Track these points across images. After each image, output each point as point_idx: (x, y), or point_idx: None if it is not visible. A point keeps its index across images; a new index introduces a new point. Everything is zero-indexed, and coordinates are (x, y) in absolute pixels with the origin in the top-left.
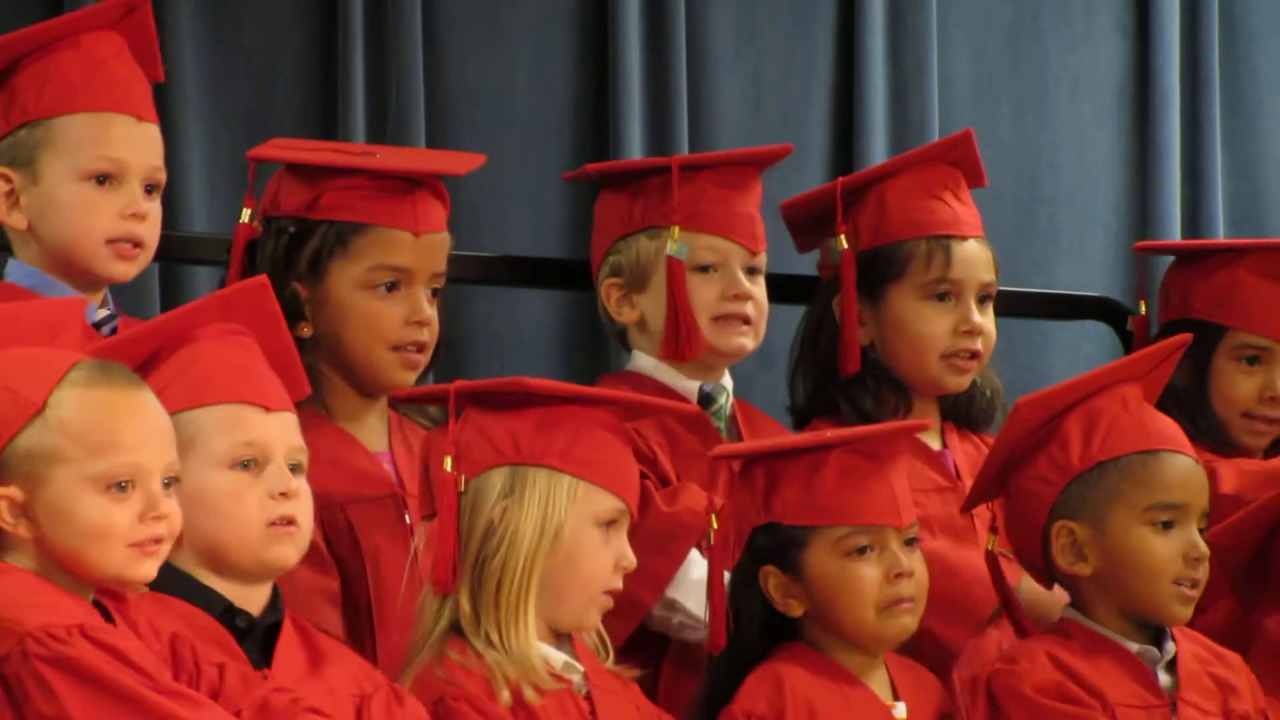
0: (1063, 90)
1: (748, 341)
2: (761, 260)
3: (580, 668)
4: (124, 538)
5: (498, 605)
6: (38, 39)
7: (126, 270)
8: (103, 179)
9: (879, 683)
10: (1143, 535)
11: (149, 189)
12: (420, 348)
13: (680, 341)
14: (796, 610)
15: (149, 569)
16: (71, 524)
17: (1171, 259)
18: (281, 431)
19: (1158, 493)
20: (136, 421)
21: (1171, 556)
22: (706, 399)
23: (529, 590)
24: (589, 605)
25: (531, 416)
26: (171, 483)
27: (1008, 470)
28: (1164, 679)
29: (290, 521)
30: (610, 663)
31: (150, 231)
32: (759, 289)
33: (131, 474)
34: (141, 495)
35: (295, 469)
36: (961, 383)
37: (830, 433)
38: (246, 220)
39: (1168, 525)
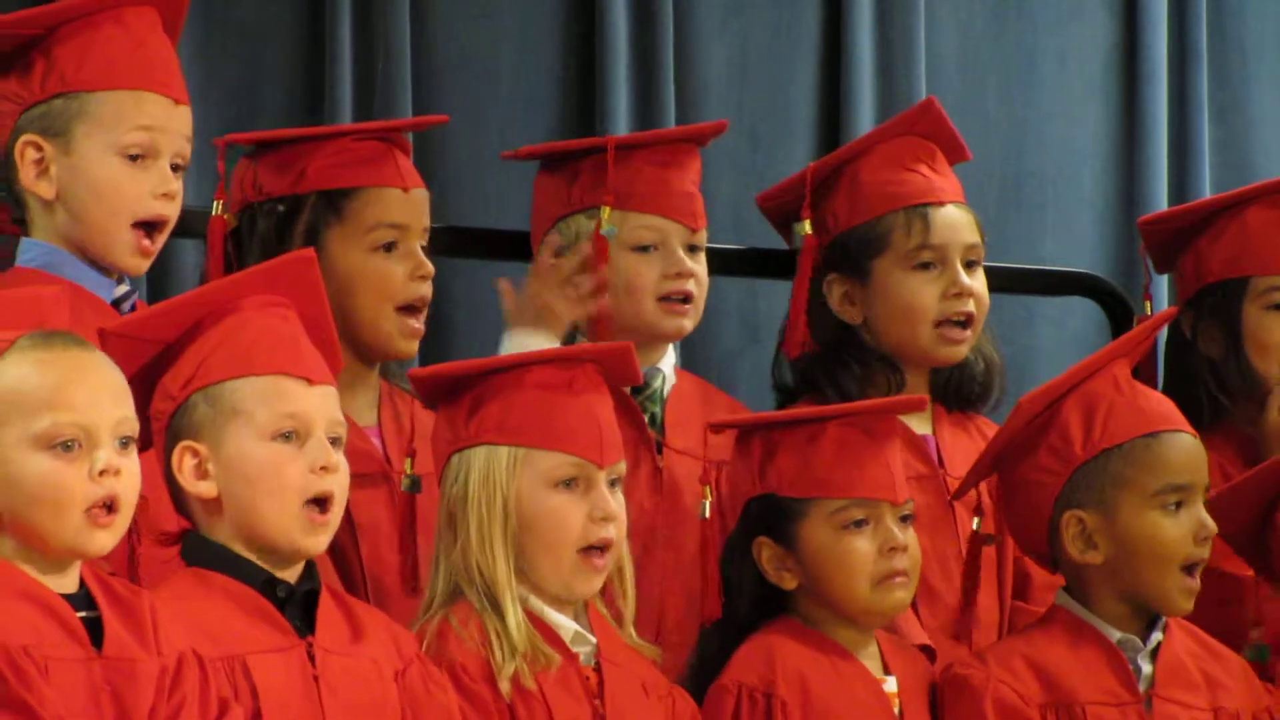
0: (1050, 64)
1: (687, 322)
2: (701, 237)
3: (592, 640)
4: (79, 501)
5: (480, 586)
6: (80, 9)
7: (141, 265)
8: (135, 156)
9: (870, 657)
10: (1154, 519)
11: (174, 167)
12: (425, 303)
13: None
14: (790, 583)
15: (103, 541)
16: (20, 489)
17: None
18: (323, 404)
19: (1165, 475)
20: (79, 380)
21: (1182, 539)
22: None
23: (500, 566)
24: (573, 569)
25: (468, 399)
26: (128, 441)
27: (1001, 461)
28: (1147, 669)
29: (326, 502)
30: (629, 636)
31: (175, 210)
32: (700, 266)
33: (75, 433)
34: (89, 453)
35: (335, 442)
36: (955, 353)
37: (829, 406)
38: (219, 212)
39: (1177, 506)
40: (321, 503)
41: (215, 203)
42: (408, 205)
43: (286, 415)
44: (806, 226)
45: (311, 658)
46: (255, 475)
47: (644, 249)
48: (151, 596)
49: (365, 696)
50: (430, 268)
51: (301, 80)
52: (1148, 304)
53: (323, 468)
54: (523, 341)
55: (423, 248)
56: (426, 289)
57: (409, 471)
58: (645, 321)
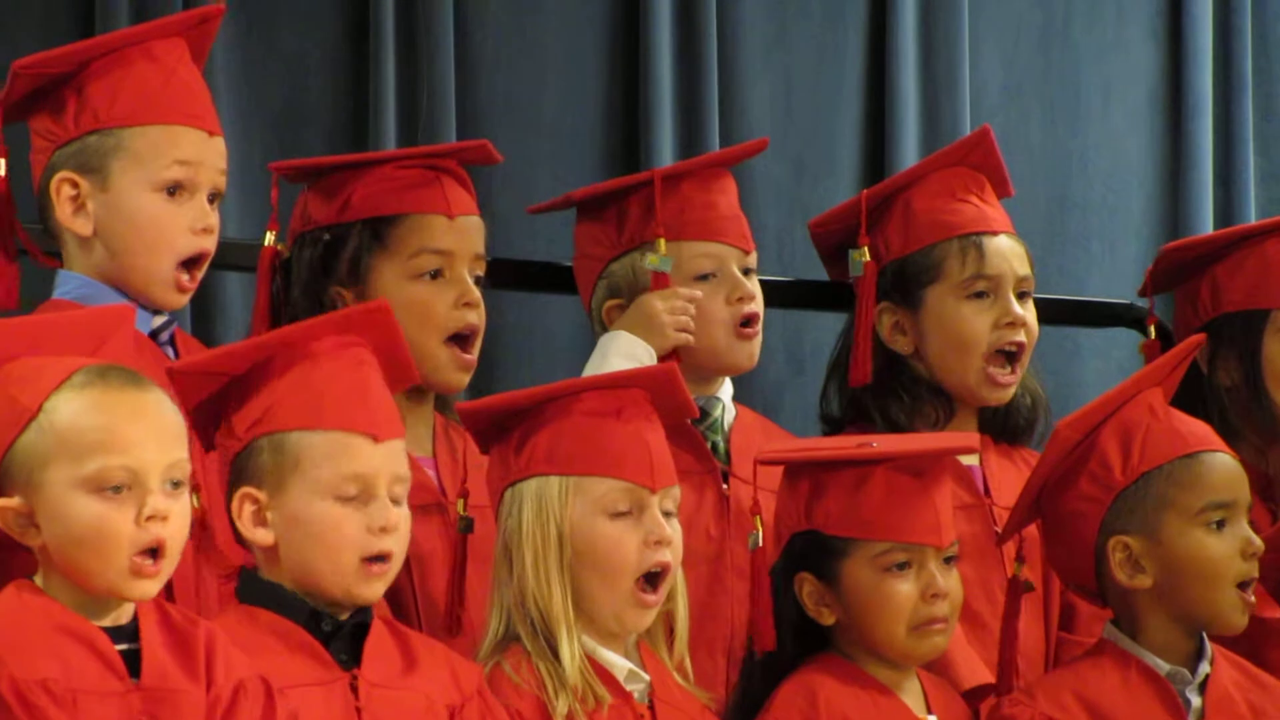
0: (1095, 96)
1: (756, 351)
2: (753, 259)
3: (646, 677)
4: (125, 546)
5: (536, 621)
6: (110, 45)
7: (180, 300)
8: (173, 190)
9: (911, 694)
10: (1198, 538)
11: (211, 198)
12: (473, 331)
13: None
14: (828, 619)
15: (146, 589)
16: (67, 529)
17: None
18: (388, 462)
19: (1207, 493)
20: (132, 422)
21: (1230, 556)
22: (701, 413)
23: (556, 597)
24: (626, 601)
25: (517, 432)
26: (180, 484)
27: (1044, 495)
28: (1196, 702)
29: (386, 558)
30: (680, 677)
31: (213, 244)
32: (756, 288)
33: (125, 477)
34: (138, 497)
35: (396, 500)
36: (1002, 396)
37: (876, 444)
38: (270, 243)
39: (1221, 525)
40: (379, 559)
41: (267, 233)
42: (453, 232)
43: (351, 477)
44: (865, 254)
45: (355, 690)
46: (314, 533)
47: (703, 277)
48: (211, 625)
49: None
50: (477, 295)
51: (346, 113)
52: (1152, 328)
53: (382, 529)
54: (623, 345)
55: (478, 278)
56: (474, 316)
57: (462, 512)
58: (717, 351)
